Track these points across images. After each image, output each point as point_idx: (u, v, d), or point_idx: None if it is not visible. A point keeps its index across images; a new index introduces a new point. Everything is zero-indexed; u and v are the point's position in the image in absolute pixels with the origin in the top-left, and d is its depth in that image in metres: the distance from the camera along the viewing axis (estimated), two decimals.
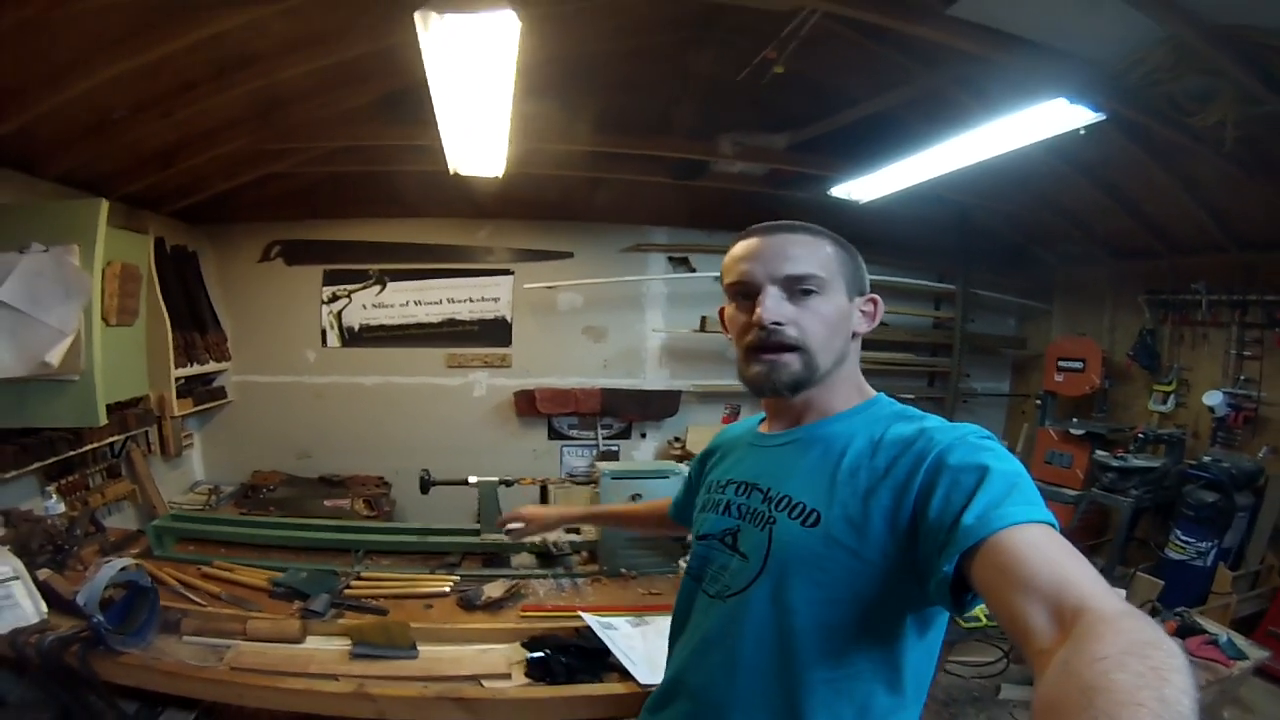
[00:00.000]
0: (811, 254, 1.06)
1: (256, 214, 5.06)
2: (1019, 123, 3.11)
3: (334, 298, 5.33)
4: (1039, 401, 5.50)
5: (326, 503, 4.66)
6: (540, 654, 2.09)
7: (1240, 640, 2.81)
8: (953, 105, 3.56)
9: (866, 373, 1.18)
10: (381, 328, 5.38)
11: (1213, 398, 4.48)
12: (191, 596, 2.39)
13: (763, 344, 1.04)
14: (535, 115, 3.27)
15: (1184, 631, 2.83)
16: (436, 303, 5.41)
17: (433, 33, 2.22)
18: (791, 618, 0.97)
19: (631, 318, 5.68)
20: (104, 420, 3.25)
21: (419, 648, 2.11)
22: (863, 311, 1.12)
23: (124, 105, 3.03)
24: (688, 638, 1.13)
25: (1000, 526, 0.77)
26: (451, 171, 3.56)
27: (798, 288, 1.04)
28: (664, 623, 2.12)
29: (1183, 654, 0.57)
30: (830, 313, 1.06)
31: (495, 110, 2.92)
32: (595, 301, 5.60)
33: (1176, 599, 3.23)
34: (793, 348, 1.04)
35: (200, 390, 4.85)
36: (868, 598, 0.93)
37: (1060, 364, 5.41)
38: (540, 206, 5.21)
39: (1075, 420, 5.19)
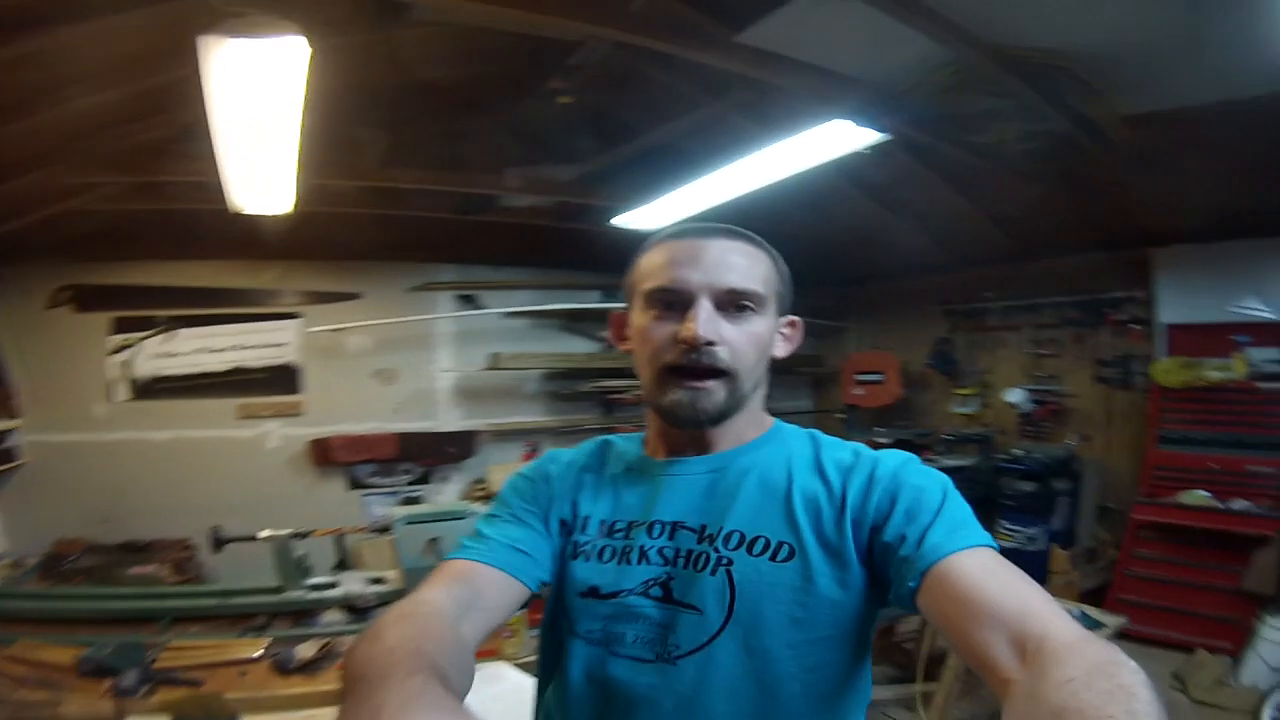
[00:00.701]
0: (754, 266, 1.01)
1: (48, 255, 4.94)
2: (801, 145, 3.55)
3: (121, 347, 5.27)
4: (842, 416, 6.26)
5: (133, 570, 4.56)
6: None
7: (1093, 611, 3.40)
8: (736, 131, 3.97)
9: None
10: (170, 378, 5.33)
11: (1014, 395, 5.33)
12: None
13: (690, 366, 0.97)
14: (322, 149, 3.40)
15: None
16: (225, 350, 5.43)
17: (219, 58, 2.33)
18: (773, 665, 0.92)
19: (422, 358, 5.97)
20: None
21: (242, 718, 2.12)
22: (783, 333, 1.09)
23: None
24: (612, 716, 0.97)
25: (962, 547, 0.83)
26: (232, 209, 3.59)
27: (735, 304, 0.98)
28: (491, 669, 2.27)
29: (1143, 673, 0.61)
30: (763, 334, 1.01)
31: (282, 142, 3.04)
32: (385, 343, 5.80)
33: None
34: (721, 373, 0.98)
35: None
36: (850, 627, 0.94)
37: (859, 378, 6.23)
38: (328, 246, 5.32)
39: (880, 429, 5.94)
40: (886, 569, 0.90)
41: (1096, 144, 3.65)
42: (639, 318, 1.03)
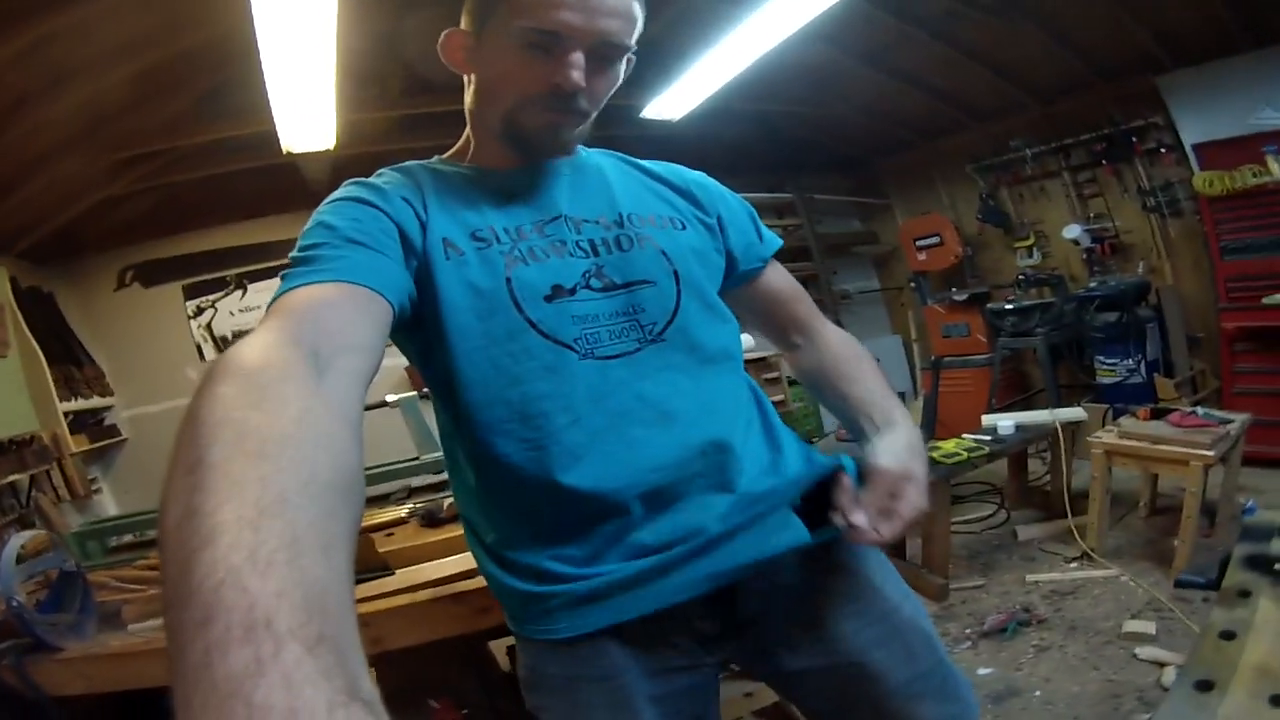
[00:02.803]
0: (629, 14, 0.94)
1: (104, 243, 5.24)
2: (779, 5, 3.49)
3: (199, 310, 5.55)
4: (913, 284, 6.26)
5: None
6: None
7: (1216, 410, 3.36)
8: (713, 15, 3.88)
9: None
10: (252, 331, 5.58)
11: (1071, 230, 5.29)
12: (132, 587, 2.37)
13: (560, 108, 0.94)
14: (354, 85, 3.57)
15: (1158, 414, 3.33)
16: None
17: None
18: (717, 312, 1.05)
19: None
20: None
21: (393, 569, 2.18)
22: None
23: None
24: (619, 417, 0.93)
25: (771, 253, 1.18)
26: (285, 151, 3.79)
27: (605, 54, 0.94)
28: None
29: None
30: (617, 81, 0.99)
31: (322, 73, 3.17)
32: None
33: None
34: (583, 115, 0.97)
35: (92, 427, 5.01)
36: (719, 285, 1.10)
37: (918, 243, 6.22)
38: None
39: (954, 290, 5.91)
40: (730, 258, 1.11)
41: None
42: (500, 48, 0.94)
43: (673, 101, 4.68)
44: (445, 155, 1.08)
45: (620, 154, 1.15)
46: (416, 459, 3.03)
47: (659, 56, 4.22)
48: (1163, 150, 4.82)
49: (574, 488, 0.91)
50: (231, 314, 5.61)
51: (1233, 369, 4.48)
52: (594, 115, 0.99)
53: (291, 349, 0.61)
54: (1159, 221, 5.06)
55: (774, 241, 1.18)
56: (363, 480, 0.54)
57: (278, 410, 0.50)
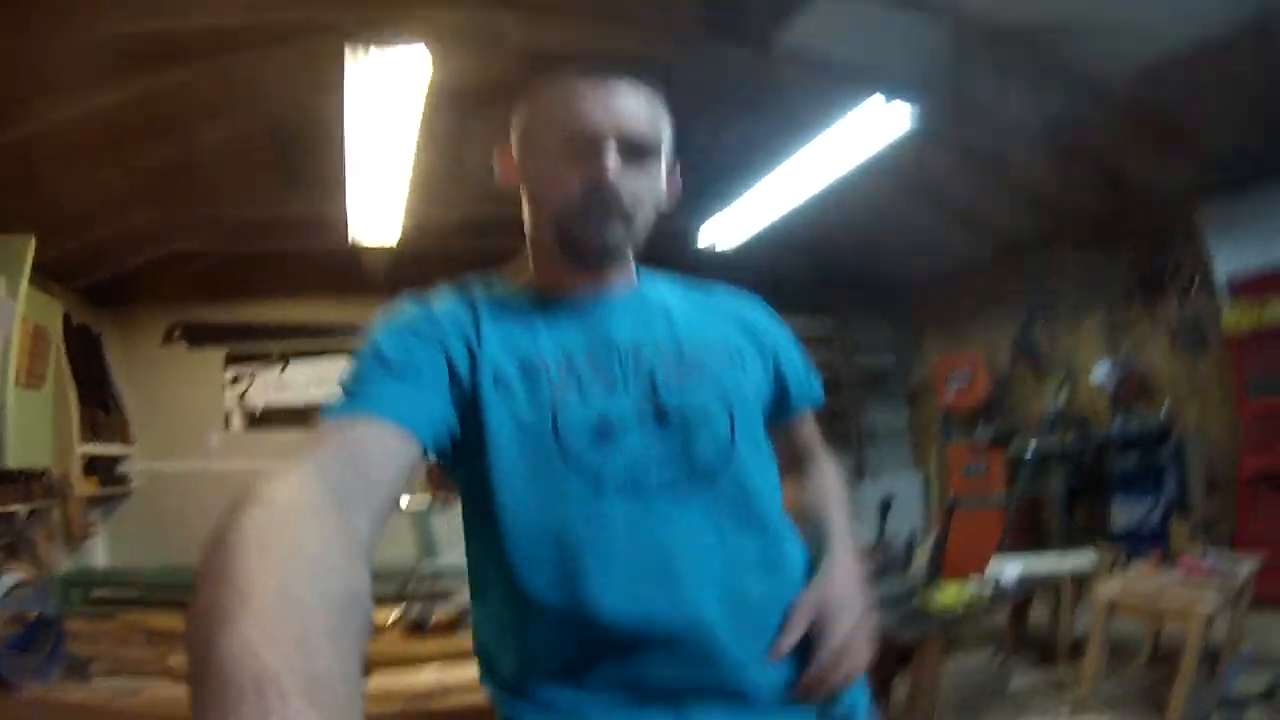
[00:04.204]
0: (653, 112, 1.00)
1: (160, 295, 5.48)
2: (841, 135, 3.87)
3: (237, 379, 5.70)
4: (941, 423, 6.37)
5: None
6: None
7: (1227, 554, 3.45)
8: (775, 141, 4.21)
9: None
10: (286, 410, 5.72)
11: (1099, 372, 5.35)
12: (104, 643, 2.41)
13: (600, 209, 0.97)
14: (427, 179, 3.84)
15: (1167, 560, 3.42)
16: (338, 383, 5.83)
17: (352, 72, 2.76)
18: (763, 446, 1.05)
19: None
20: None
21: (371, 676, 2.18)
22: (669, 183, 1.08)
23: (57, 151, 3.38)
24: (657, 556, 0.91)
25: (818, 396, 1.21)
26: (352, 243, 3.99)
27: (636, 150, 0.98)
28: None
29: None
30: (658, 184, 1.03)
31: (399, 161, 3.51)
32: None
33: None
34: (625, 216, 0.99)
35: (104, 473, 5.06)
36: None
37: (949, 380, 6.37)
38: (429, 281, 5.69)
39: (980, 427, 6.00)
40: (784, 394, 1.14)
41: (1107, 108, 3.91)
42: (539, 160, 1.01)
43: (726, 228, 4.94)
44: (506, 271, 1.11)
45: (681, 278, 1.17)
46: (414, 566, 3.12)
47: (716, 180, 4.50)
48: (1197, 285, 4.88)
49: (605, 624, 0.89)
50: (267, 389, 5.77)
51: (1251, 510, 4.44)
52: (640, 219, 1.01)
53: (318, 482, 0.68)
54: (1186, 359, 5.07)
55: (819, 388, 1.21)
56: (370, 600, 0.58)
57: (299, 536, 0.57)
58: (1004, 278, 6.12)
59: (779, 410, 1.12)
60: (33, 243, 3.57)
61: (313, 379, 5.80)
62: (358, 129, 3.20)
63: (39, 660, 1.99)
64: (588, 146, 0.95)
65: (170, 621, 2.59)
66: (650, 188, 1.00)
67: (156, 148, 3.60)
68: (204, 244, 4.77)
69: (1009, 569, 3.60)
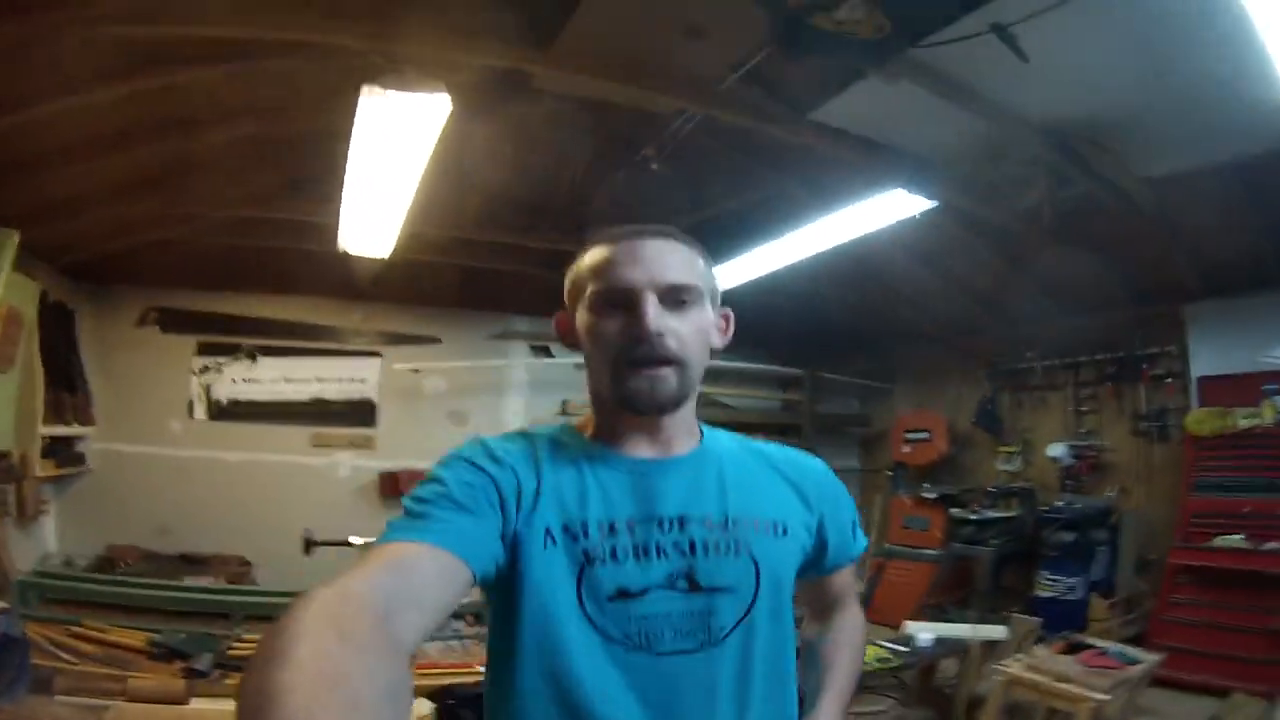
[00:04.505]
0: (687, 262, 1.08)
1: (139, 278, 5.43)
2: (859, 212, 3.99)
3: (205, 369, 5.68)
4: (890, 473, 6.59)
5: (187, 580, 4.76)
6: (451, 702, 2.40)
7: (1131, 649, 3.67)
8: (798, 203, 4.45)
9: None
10: (250, 403, 5.75)
11: (1056, 449, 5.60)
12: (63, 655, 2.46)
13: (645, 357, 1.03)
14: (428, 200, 3.82)
15: (1072, 649, 3.61)
16: (306, 381, 5.88)
17: (371, 106, 2.76)
18: (785, 619, 1.10)
19: (495, 403, 6.43)
20: None
21: None
22: (719, 325, 1.15)
23: (59, 143, 3.34)
24: (659, 709, 1.00)
25: (857, 554, 1.26)
26: (340, 250, 4.04)
27: (675, 298, 1.05)
28: None
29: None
30: (704, 325, 1.08)
31: (401, 191, 3.47)
32: (459, 387, 6.24)
33: (1058, 631, 3.97)
34: (672, 360, 1.04)
35: (63, 453, 5.06)
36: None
37: (907, 435, 6.57)
38: (412, 291, 5.85)
39: (927, 485, 6.24)
40: (822, 552, 1.19)
41: (1124, 207, 4.04)
42: (587, 317, 1.07)
43: (721, 276, 4.99)
44: (578, 422, 1.17)
45: (744, 438, 1.22)
46: None
47: (726, 236, 4.61)
48: (1169, 380, 5.14)
49: None
50: (234, 381, 5.75)
51: (1169, 599, 4.73)
52: (691, 361, 1.06)
53: (370, 596, 0.75)
54: (1145, 445, 5.32)
55: (862, 543, 1.26)
56: (410, 692, 0.68)
57: (349, 635, 0.65)
58: (984, 346, 6.28)
59: (815, 565, 1.18)
60: (16, 237, 3.49)
61: (280, 376, 5.80)
62: (364, 158, 3.14)
63: (6, 680, 2.04)
64: (628, 300, 1.03)
65: (130, 637, 2.64)
66: (695, 330, 1.06)
67: (159, 143, 3.57)
68: (192, 234, 4.68)
69: (924, 634, 3.80)
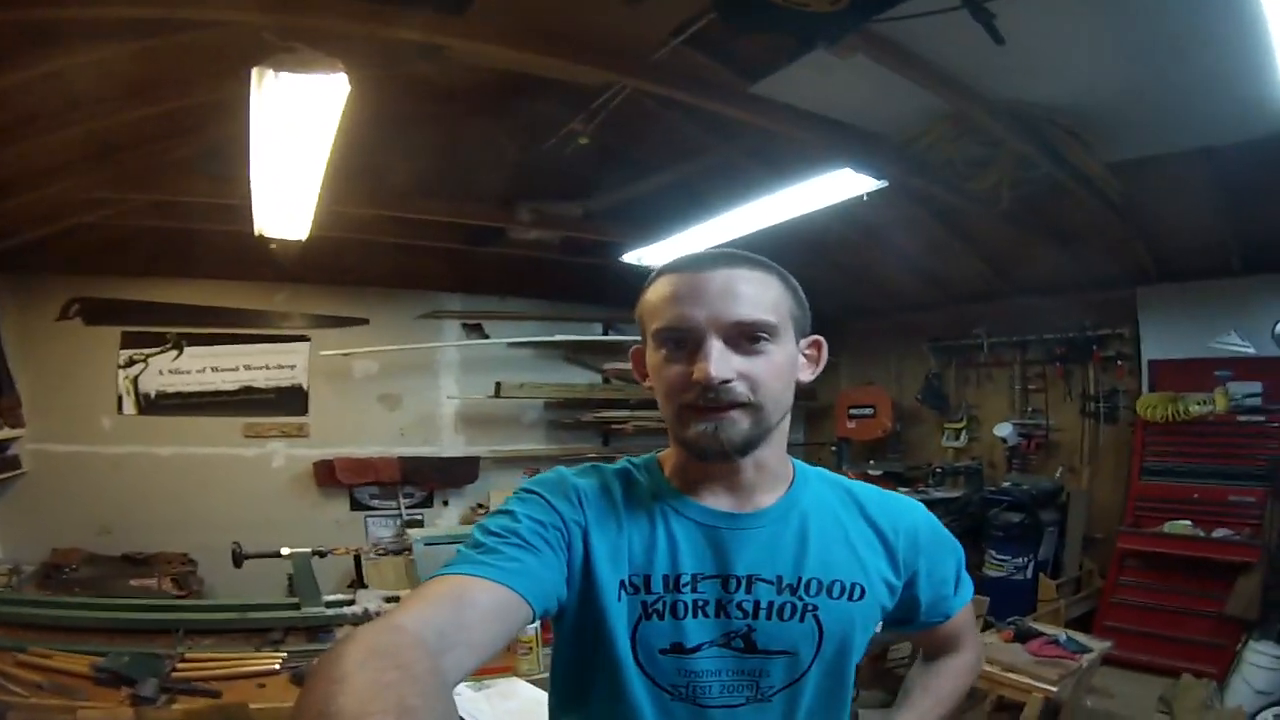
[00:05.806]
0: (762, 295, 0.98)
1: (61, 267, 5.14)
2: (806, 191, 3.83)
3: (131, 362, 5.44)
4: (834, 448, 6.50)
5: (133, 582, 4.69)
6: None
7: (1080, 636, 3.62)
8: (745, 175, 4.26)
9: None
10: (178, 395, 5.54)
11: (1003, 429, 5.55)
12: (11, 687, 2.35)
13: (711, 404, 0.94)
14: (344, 177, 3.57)
15: (1021, 637, 3.54)
16: (233, 369, 5.66)
17: (264, 90, 2.47)
18: (845, 680, 1.06)
19: (426, 384, 6.18)
20: None
21: None
22: (806, 356, 1.08)
23: None
24: None
25: (960, 608, 1.19)
26: (256, 233, 3.74)
27: (746, 336, 0.96)
28: (505, 685, 2.34)
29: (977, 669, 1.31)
30: (783, 362, 0.99)
31: (310, 171, 3.19)
32: (390, 369, 6.00)
33: (1006, 612, 3.93)
34: (742, 404, 0.95)
35: None
36: None
37: (851, 412, 6.50)
38: (338, 271, 5.58)
39: (872, 462, 6.21)
40: (912, 607, 1.13)
41: (1083, 190, 3.91)
42: (651, 357, 1.01)
43: (658, 252, 4.85)
44: (661, 455, 1.11)
45: (840, 479, 1.15)
46: (298, 607, 3.01)
47: (669, 209, 4.46)
48: (1119, 362, 5.13)
49: None
50: (161, 373, 5.50)
51: (1118, 581, 4.76)
52: (766, 402, 0.97)
53: (422, 633, 0.75)
54: (1093, 426, 5.32)
55: (967, 594, 1.20)
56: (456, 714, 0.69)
57: (405, 667, 0.66)
58: (931, 322, 6.19)
59: (905, 622, 1.15)
60: None
61: (207, 365, 5.57)
62: (264, 140, 2.87)
63: None
64: (690, 343, 0.96)
65: (75, 663, 2.50)
66: (771, 369, 0.97)
67: (76, 123, 3.34)
68: (101, 219, 4.42)
69: None
